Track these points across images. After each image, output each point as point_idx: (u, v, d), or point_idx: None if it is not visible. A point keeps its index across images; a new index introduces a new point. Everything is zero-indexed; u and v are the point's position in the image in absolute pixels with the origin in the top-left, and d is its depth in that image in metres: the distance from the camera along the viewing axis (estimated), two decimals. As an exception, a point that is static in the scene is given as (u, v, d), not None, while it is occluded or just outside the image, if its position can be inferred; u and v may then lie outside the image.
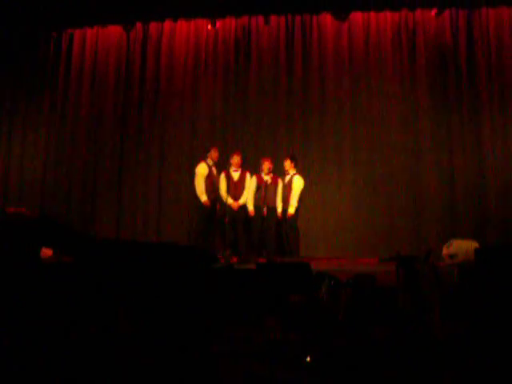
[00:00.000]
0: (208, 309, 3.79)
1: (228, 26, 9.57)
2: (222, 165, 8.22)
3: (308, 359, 3.45)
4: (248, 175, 8.21)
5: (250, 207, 8.05)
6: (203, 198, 7.99)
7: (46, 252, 5.56)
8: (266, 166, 8.03)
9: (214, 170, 8.19)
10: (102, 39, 9.89)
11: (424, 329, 3.83)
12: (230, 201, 7.91)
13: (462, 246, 7.40)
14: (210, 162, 8.17)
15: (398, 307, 4.02)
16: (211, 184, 8.07)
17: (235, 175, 8.12)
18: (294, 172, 8.08)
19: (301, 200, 8.01)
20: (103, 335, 3.42)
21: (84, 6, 9.18)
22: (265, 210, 8.01)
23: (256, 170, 8.21)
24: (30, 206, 9.12)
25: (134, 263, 4.07)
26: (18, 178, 9.66)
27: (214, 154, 8.21)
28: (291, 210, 7.88)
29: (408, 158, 8.78)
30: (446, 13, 9.00)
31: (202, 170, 8.09)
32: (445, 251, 7.71)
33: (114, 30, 9.83)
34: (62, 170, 9.55)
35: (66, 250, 4.65)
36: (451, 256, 7.45)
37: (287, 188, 8.00)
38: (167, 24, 9.70)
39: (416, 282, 4.26)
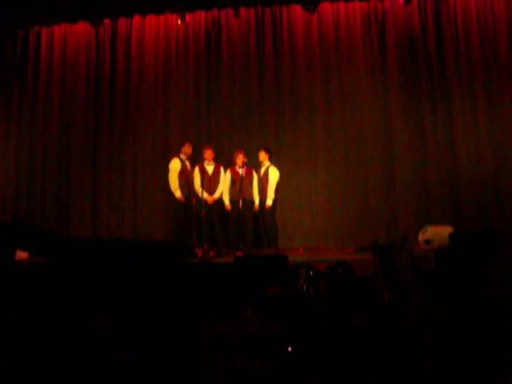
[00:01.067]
0: (186, 304, 3.78)
1: (198, 19, 9.52)
2: (196, 159, 8.18)
3: (289, 349, 3.46)
4: (222, 169, 8.18)
5: (226, 201, 8.03)
6: (177, 193, 7.95)
7: (22, 255, 5.48)
8: (240, 158, 7.99)
9: (188, 165, 8.14)
10: (70, 37, 9.76)
11: (402, 315, 3.87)
12: (205, 195, 7.87)
13: (437, 232, 7.53)
14: (183, 157, 8.13)
15: (375, 295, 4.06)
16: (185, 179, 8.03)
17: (209, 169, 8.08)
18: (269, 163, 8.08)
19: (277, 191, 8.01)
20: (80, 335, 3.38)
21: (50, 3, 9.02)
22: (241, 203, 7.99)
23: (229, 164, 8.19)
24: (3, 208, 9.02)
25: (110, 262, 4.03)
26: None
27: (187, 148, 8.17)
28: (269, 201, 7.87)
29: (381, 146, 8.87)
30: (415, 1, 9.07)
31: (175, 165, 8.04)
32: (420, 237, 7.84)
33: (83, 27, 9.70)
34: (35, 171, 9.44)
35: (41, 251, 4.59)
36: (427, 241, 7.58)
37: (263, 180, 7.98)
38: (136, 19, 9.62)
39: (392, 270, 4.30)
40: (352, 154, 8.89)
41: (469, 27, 8.92)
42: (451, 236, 6.02)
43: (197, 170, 8.00)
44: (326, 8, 9.27)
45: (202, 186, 7.77)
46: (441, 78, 8.90)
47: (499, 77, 8.72)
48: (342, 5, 9.26)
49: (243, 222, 7.95)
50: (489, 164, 8.56)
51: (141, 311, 3.64)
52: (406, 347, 3.40)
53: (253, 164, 8.19)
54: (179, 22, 9.45)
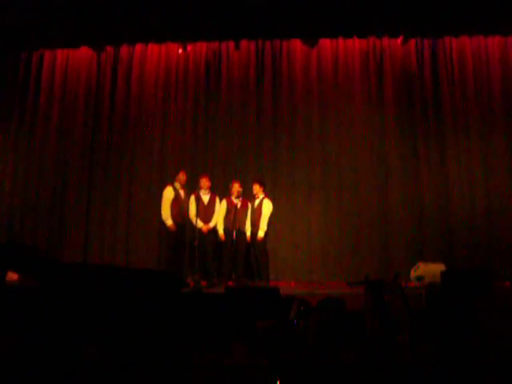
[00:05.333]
0: (175, 334, 3.76)
1: (199, 50, 9.65)
2: (191, 188, 8.19)
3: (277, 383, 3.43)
4: (218, 198, 8.19)
5: (220, 231, 8.02)
6: (168, 222, 7.93)
7: (12, 276, 5.46)
8: (236, 188, 8.01)
9: (182, 194, 8.13)
10: (72, 61, 9.86)
11: (392, 352, 3.86)
12: (199, 224, 7.86)
13: (429, 269, 7.54)
14: (177, 185, 8.13)
15: (366, 331, 4.05)
16: (179, 208, 8.01)
17: (205, 198, 8.09)
18: (263, 196, 8.10)
19: (270, 223, 8.01)
20: (68, 360, 3.35)
21: (55, 28, 9.12)
22: (234, 233, 7.98)
23: (225, 194, 8.21)
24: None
25: (101, 288, 4.01)
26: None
27: (181, 177, 8.16)
28: (261, 233, 7.87)
29: (376, 182, 8.92)
30: (412, 41, 9.26)
31: (168, 194, 8.04)
32: (412, 273, 7.84)
33: (85, 52, 9.81)
34: (30, 193, 9.41)
35: (32, 273, 4.57)
36: (418, 278, 7.58)
37: (256, 212, 7.98)
38: (138, 47, 9.74)
39: (384, 306, 4.30)
40: (346, 190, 8.93)
41: (464, 67, 9.13)
42: (443, 274, 6.04)
43: (192, 198, 7.98)
44: (325, 44, 9.43)
45: (197, 214, 7.76)
46: (436, 116, 9.03)
47: (493, 116, 8.87)
48: (341, 41, 9.42)
49: (236, 252, 7.94)
50: (482, 203, 8.64)
51: (129, 339, 3.62)
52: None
53: (248, 194, 8.21)
54: (180, 51, 9.57)
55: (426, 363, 3.64)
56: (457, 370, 3.52)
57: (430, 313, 4.77)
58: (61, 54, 9.89)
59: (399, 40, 9.22)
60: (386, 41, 9.32)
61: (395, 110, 9.10)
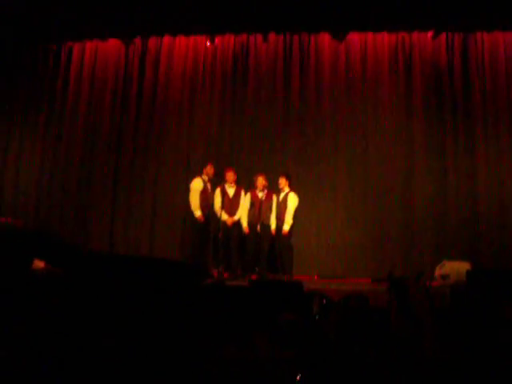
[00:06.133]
0: (198, 325, 3.78)
1: (227, 42, 9.64)
2: (216, 181, 8.22)
3: (298, 378, 3.43)
4: (243, 191, 8.21)
5: (245, 224, 8.04)
6: (197, 213, 7.97)
7: (38, 264, 5.54)
8: (260, 182, 8.03)
9: (209, 186, 8.18)
10: (100, 53, 9.95)
11: (416, 350, 3.82)
12: (224, 216, 7.89)
13: (454, 267, 7.44)
14: (205, 177, 8.17)
15: (389, 328, 4.01)
16: (205, 199, 8.06)
17: (230, 191, 8.11)
18: (289, 189, 8.09)
19: (295, 217, 8.00)
20: (91, 349, 3.39)
21: (84, 19, 9.21)
22: (258, 226, 7.99)
23: (250, 187, 8.23)
24: (24, 217, 9.13)
25: (125, 277, 4.05)
26: (12, 190, 9.67)
27: (209, 169, 8.21)
28: (286, 227, 7.86)
29: (402, 178, 8.83)
30: (443, 36, 9.09)
31: (197, 185, 8.08)
32: (437, 272, 7.74)
33: (113, 44, 9.88)
34: (57, 183, 9.56)
35: (58, 262, 4.64)
36: (443, 277, 7.48)
37: (282, 205, 7.98)
38: (166, 39, 9.78)
39: (408, 304, 4.26)
40: (372, 185, 8.85)
41: (496, 61, 8.94)
42: (469, 273, 5.95)
43: (218, 191, 8.03)
44: (354, 38, 9.32)
45: (222, 207, 7.80)
46: (465, 111, 8.88)
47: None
48: (370, 35, 9.31)
49: (260, 245, 7.96)
50: (510, 201, 8.47)
51: (151, 328, 3.65)
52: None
53: (273, 188, 8.21)
54: (208, 43, 9.58)
55: (449, 363, 3.60)
56: (481, 371, 3.47)
57: (455, 312, 4.70)
58: (89, 46, 9.98)
59: (429, 34, 9.07)
60: (415, 35, 9.18)
61: (423, 106, 8.96)
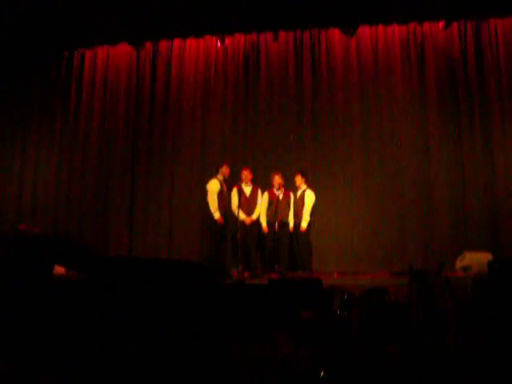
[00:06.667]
0: (219, 326, 3.79)
1: (237, 42, 9.65)
2: (231, 181, 8.23)
3: (322, 374, 3.42)
4: (259, 190, 8.20)
5: (263, 223, 8.04)
6: (217, 215, 7.96)
7: (59, 269, 5.59)
8: (277, 180, 8.04)
9: (225, 186, 8.19)
10: (112, 58, 10.03)
11: (438, 343, 3.79)
12: (242, 216, 7.90)
13: (475, 258, 7.37)
14: (220, 178, 8.17)
15: (411, 321, 3.99)
16: (222, 200, 8.06)
17: (247, 190, 8.11)
18: (306, 187, 8.08)
19: (312, 214, 7.99)
20: (113, 354, 3.42)
21: (94, 26, 9.28)
22: (276, 224, 7.99)
23: (266, 185, 8.22)
24: (43, 223, 9.23)
25: (146, 280, 4.08)
26: (30, 196, 9.77)
27: (225, 170, 8.21)
28: (304, 224, 7.87)
29: (419, 172, 8.76)
30: (454, 25, 8.99)
31: (214, 186, 8.08)
32: (458, 264, 7.68)
33: (124, 49, 9.95)
34: (75, 188, 9.65)
35: (79, 267, 4.67)
36: (464, 268, 7.41)
37: (299, 203, 7.99)
38: (177, 42, 9.82)
39: (429, 296, 4.22)
40: (388, 179, 8.80)
41: (510, 51, 8.79)
42: (490, 263, 5.88)
43: (234, 190, 8.04)
44: (364, 31, 9.26)
45: (240, 206, 7.81)
46: (480, 101, 8.77)
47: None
48: (380, 28, 9.25)
49: (279, 244, 7.96)
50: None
51: (173, 330, 3.66)
52: (442, 376, 3.33)
53: (290, 185, 8.19)
54: (219, 44, 9.59)
55: (472, 356, 3.56)
56: (505, 364, 3.43)
57: (477, 304, 4.66)
58: (101, 52, 10.06)
59: (441, 24, 8.97)
60: (426, 26, 9.09)
61: (438, 97, 8.87)
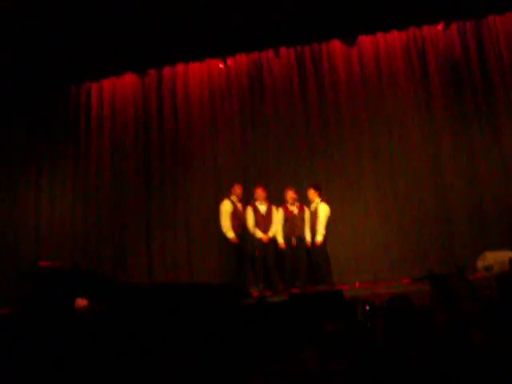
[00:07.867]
0: (243, 346, 3.78)
1: (239, 62, 9.73)
2: (246, 200, 8.24)
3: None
4: (274, 207, 8.20)
5: (280, 239, 8.02)
6: (230, 234, 7.96)
7: (81, 302, 5.63)
8: (290, 195, 8.04)
9: (240, 206, 8.19)
10: (118, 89, 10.15)
11: (465, 348, 3.74)
12: (259, 234, 7.90)
13: (496, 258, 7.29)
14: (234, 198, 8.18)
15: (435, 328, 3.94)
16: (238, 220, 8.06)
17: (262, 208, 8.11)
18: (319, 200, 8.07)
19: (328, 226, 7.96)
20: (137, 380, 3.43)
21: (98, 59, 9.41)
22: (293, 240, 7.97)
23: (280, 202, 8.22)
24: (61, 256, 9.28)
25: (168, 306, 4.09)
26: (48, 230, 9.81)
27: (237, 190, 8.23)
28: (319, 237, 7.83)
29: (431, 176, 8.71)
30: (454, 25, 9.00)
31: (226, 207, 8.09)
32: (479, 264, 7.58)
33: (129, 79, 10.07)
34: (91, 219, 9.70)
35: (101, 298, 4.70)
36: (486, 268, 7.32)
37: (313, 216, 7.96)
38: (180, 67, 9.92)
39: (452, 300, 4.18)
40: (401, 184, 8.77)
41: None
42: (511, 261, 5.83)
43: (249, 209, 8.06)
44: (364, 40, 9.30)
45: (256, 225, 7.80)
46: (487, 99, 8.73)
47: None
48: (380, 35, 9.28)
49: (297, 259, 7.93)
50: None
51: (197, 354, 3.66)
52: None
53: (304, 200, 8.18)
54: (221, 66, 9.67)
55: (502, 361, 3.51)
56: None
57: (504, 303, 4.60)
58: (107, 84, 10.18)
59: (440, 26, 8.99)
60: (426, 29, 9.11)
61: (443, 97, 8.85)
